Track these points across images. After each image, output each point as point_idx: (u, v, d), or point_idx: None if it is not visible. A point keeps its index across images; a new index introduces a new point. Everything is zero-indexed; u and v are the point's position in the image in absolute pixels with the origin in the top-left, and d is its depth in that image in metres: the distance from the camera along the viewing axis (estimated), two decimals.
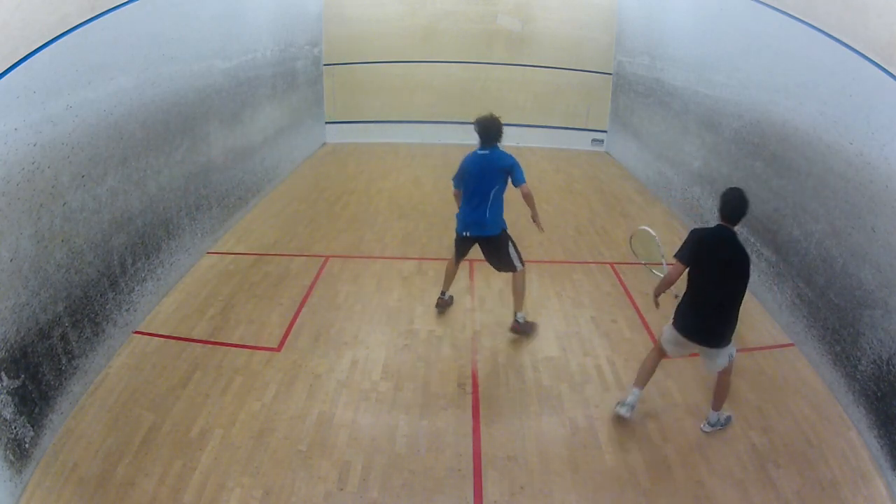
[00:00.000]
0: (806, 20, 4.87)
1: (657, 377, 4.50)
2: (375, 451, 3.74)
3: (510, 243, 4.92)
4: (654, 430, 3.95)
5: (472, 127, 4.94)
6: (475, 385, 4.40)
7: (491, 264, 5.07)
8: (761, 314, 5.46)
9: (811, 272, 4.76)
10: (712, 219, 6.80)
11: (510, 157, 4.83)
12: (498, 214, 4.87)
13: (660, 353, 4.06)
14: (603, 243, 7.11)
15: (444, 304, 5.36)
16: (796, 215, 5.03)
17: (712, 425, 3.97)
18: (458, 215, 4.98)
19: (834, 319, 4.39)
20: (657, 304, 4.03)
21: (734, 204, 3.62)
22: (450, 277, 5.33)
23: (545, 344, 4.94)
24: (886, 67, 3.84)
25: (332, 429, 3.92)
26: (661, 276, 4.06)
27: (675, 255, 3.79)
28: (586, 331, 5.14)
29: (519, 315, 5.00)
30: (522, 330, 5.00)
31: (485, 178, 4.77)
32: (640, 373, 4.07)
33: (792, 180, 5.12)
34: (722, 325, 3.75)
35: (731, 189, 3.74)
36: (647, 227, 4.63)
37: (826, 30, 4.57)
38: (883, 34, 3.89)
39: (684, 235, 7.79)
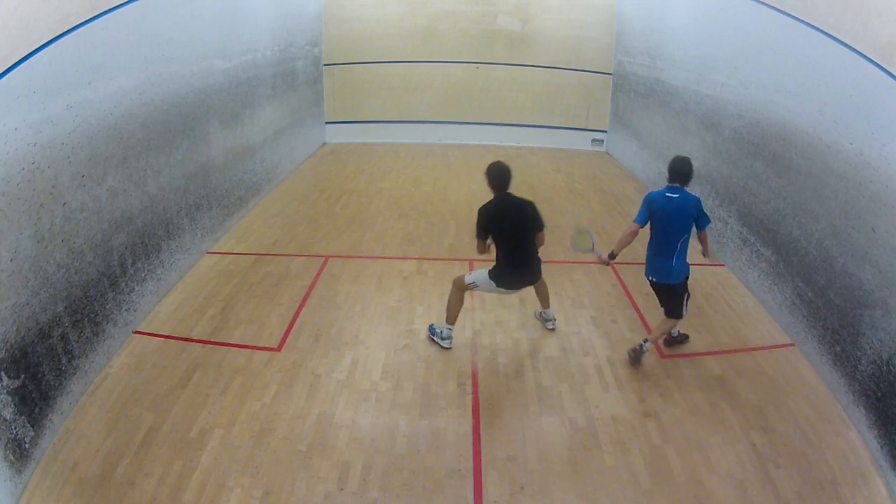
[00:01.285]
0: (806, 20, 4.87)
1: (657, 378, 4.51)
2: (375, 451, 3.74)
3: (687, 294, 4.66)
4: (654, 430, 3.95)
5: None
6: (475, 385, 4.40)
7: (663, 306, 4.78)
8: (761, 314, 5.46)
9: (811, 272, 4.75)
10: (712, 218, 6.80)
11: (699, 199, 4.51)
12: (683, 262, 4.59)
13: (463, 294, 4.83)
14: (603, 243, 7.10)
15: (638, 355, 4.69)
16: (796, 215, 5.03)
17: (554, 321, 5.16)
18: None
19: (834, 319, 4.39)
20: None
21: (495, 176, 4.46)
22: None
23: (545, 344, 4.94)
24: (886, 67, 3.83)
25: (332, 429, 3.92)
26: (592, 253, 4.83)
27: (477, 235, 4.54)
28: (586, 331, 5.14)
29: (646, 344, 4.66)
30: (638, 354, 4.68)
31: (683, 227, 4.46)
32: (450, 312, 4.85)
33: (792, 180, 5.12)
34: (536, 265, 4.71)
35: (494, 165, 4.50)
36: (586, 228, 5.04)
37: (826, 30, 4.57)
38: (883, 34, 3.89)
39: None
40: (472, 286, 4.73)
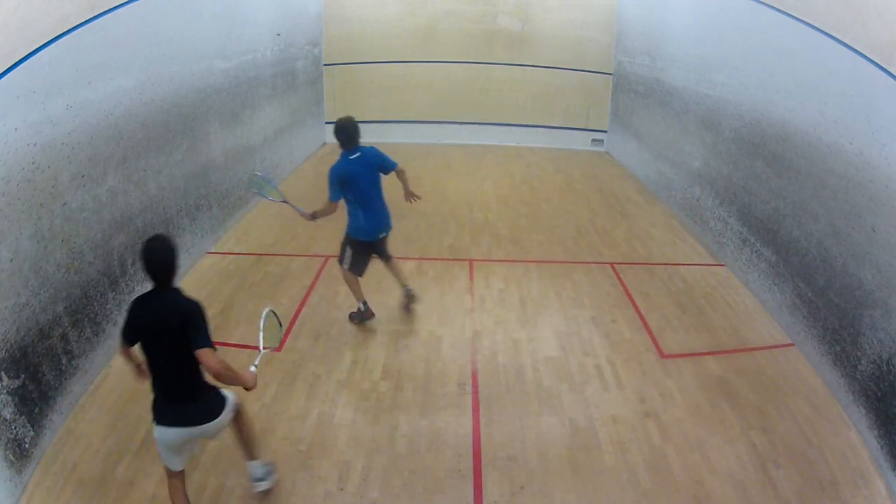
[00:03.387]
0: (806, 20, 4.87)
1: (657, 378, 4.51)
2: (375, 451, 3.74)
3: None
4: (654, 430, 3.95)
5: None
6: (475, 385, 4.40)
7: (383, 257, 5.24)
8: (761, 314, 5.46)
9: (811, 272, 4.76)
10: (712, 218, 6.84)
11: (374, 147, 4.93)
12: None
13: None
14: (603, 243, 7.11)
15: (368, 316, 5.15)
16: (796, 215, 5.03)
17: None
18: (358, 225, 4.91)
19: (834, 319, 4.39)
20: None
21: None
22: (358, 286, 5.17)
23: (545, 344, 4.94)
24: (886, 67, 3.83)
25: (332, 429, 3.92)
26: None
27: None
28: (586, 331, 5.14)
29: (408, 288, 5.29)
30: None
31: (376, 178, 4.89)
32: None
33: (792, 180, 5.12)
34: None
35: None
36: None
37: (826, 30, 4.57)
38: (883, 34, 3.89)
39: (684, 235, 7.83)
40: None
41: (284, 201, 4.87)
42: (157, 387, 2.99)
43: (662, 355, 4.80)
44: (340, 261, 5.11)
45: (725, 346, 4.95)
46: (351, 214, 4.91)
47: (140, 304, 2.98)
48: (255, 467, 3.37)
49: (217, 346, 4.69)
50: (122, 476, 3.48)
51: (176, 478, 3.06)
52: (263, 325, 3.47)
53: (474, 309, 5.47)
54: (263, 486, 3.38)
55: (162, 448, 3.01)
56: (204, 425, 3.01)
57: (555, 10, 11.54)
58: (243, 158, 7.66)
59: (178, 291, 3.03)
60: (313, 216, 4.86)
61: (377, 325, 5.16)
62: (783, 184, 5.27)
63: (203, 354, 2.85)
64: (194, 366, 2.90)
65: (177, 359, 2.91)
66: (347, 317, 5.24)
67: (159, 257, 2.93)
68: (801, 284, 4.92)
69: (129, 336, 2.96)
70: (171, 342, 2.88)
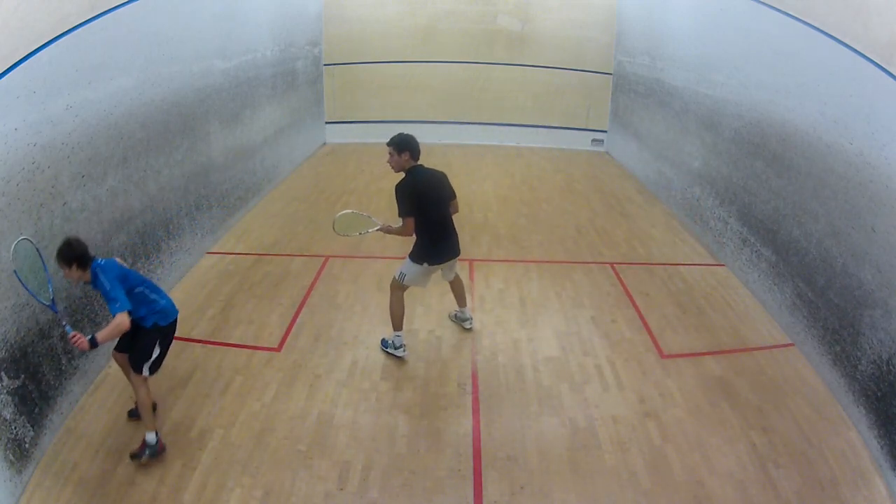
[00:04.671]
0: (806, 20, 4.87)
1: (657, 378, 4.51)
2: (375, 451, 3.74)
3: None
4: (654, 430, 3.95)
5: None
6: (475, 385, 4.40)
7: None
8: (761, 314, 5.46)
9: (811, 272, 4.76)
10: (712, 218, 6.83)
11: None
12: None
13: (402, 294, 4.68)
14: (603, 243, 7.11)
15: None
16: (796, 215, 5.03)
17: (471, 320, 5.13)
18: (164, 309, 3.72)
19: (834, 319, 4.39)
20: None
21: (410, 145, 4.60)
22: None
23: (545, 344, 4.93)
24: (886, 67, 3.83)
25: (332, 429, 3.92)
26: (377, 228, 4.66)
27: (401, 215, 4.43)
28: (586, 331, 5.14)
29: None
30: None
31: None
32: (393, 318, 4.67)
33: (792, 180, 5.12)
34: (456, 237, 4.69)
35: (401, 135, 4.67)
36: (345, 212, 4.91)
37: (826, 30, 4.57)
38: (883, 34, 3.89)
39: (684, 235, 7.83)
40: (402, 280, 4.58)
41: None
42: (431, 235, 4.50)
43: (662, 355, 4.80)
44: (150, 370, 3.69)
45: (725, 346, 4.95)
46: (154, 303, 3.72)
47: (414, 182, 4.52)
48: (467, 312, 5.11)
49: (217, 346, 4.76)
50: (122, 476, 3.48)
51: (402, 290, 4.64)
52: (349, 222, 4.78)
53: (474, 309, 5.46)
54: (471, 325, 5.07)
55: (419, 278, 4.60)
56: (458, 255, 4.72)
57: (555, 10, 11.55)
58: (243, 158, 7.66)
59: (422, 164, 4.60)
60: (93, 342, 3.23)
61: (377, 326, 5.15)
62: (783, 184, 5.27)
63: (456, 199, 4.69)
64: (450, 211, 4.63)
65: (445, 208, 4.59)
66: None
67: (416, 140, 4.65)
68: (801, 284, 4.92)
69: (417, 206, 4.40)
70: (445, 195, 4.61)
